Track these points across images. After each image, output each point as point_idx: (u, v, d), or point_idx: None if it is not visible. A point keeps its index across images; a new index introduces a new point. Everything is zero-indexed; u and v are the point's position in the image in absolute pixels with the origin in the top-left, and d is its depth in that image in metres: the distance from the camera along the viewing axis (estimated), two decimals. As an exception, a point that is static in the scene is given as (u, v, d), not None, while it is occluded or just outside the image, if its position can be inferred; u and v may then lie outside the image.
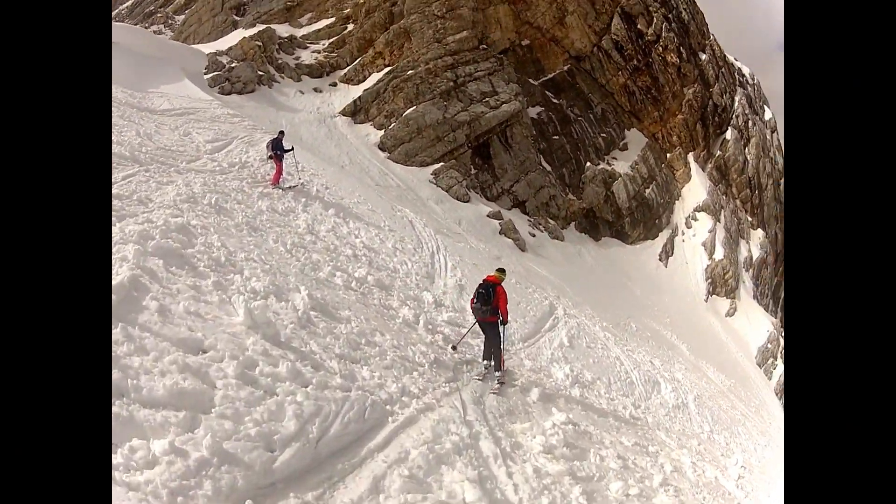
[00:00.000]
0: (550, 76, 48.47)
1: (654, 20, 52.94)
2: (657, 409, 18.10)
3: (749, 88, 68.31)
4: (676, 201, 54.13)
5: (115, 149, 17.36)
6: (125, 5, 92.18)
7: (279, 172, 20.90)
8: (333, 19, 50.03)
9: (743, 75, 69.24)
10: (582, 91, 49.68)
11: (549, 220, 40.16)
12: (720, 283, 50.85)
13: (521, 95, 41.84)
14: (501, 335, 12.31)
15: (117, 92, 26.97)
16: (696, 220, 53.16)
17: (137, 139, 20.43)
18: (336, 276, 14.04)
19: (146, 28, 63.48)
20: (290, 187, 21.27)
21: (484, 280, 12.60)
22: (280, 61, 43.84)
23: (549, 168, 42.83)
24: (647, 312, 37.13)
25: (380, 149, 37.65)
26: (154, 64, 34.25)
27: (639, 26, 52.51)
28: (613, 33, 51.49)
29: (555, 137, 45.08)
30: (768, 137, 66.77)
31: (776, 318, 59.30)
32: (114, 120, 22.00)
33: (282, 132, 23.23)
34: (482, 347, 12.62)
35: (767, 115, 70.71)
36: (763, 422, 27.89)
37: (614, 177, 47.50)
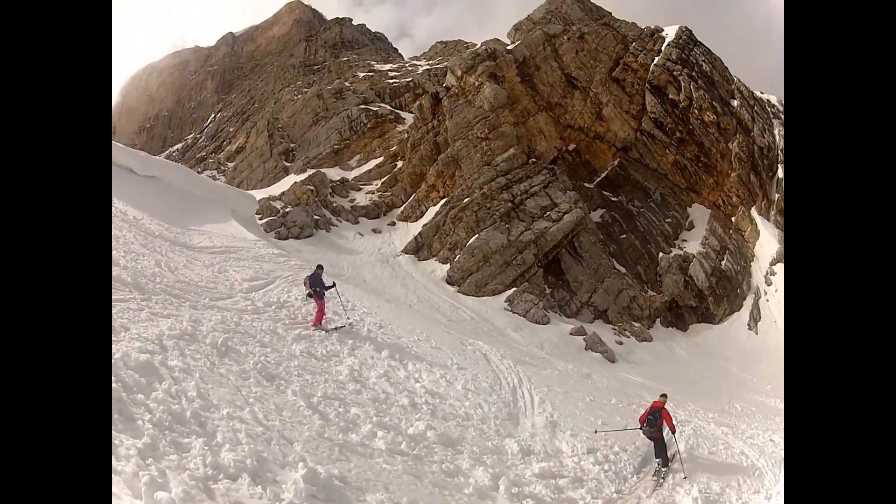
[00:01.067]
0: (604, 175, 48.22)
1: (682, 84, 52.95)
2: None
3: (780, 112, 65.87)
4: (752, 263, 52.15)
5: (115, 271, 15.66)
6: (176, 147, 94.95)
7: (321, 312, 18.94)
8: (382, 158, 50.91)
9: (773, 105, 66.50)
10: (637, 181, 49.05)
11: (634, 324, 38.74)
12: None
13: (581, 201, 41.27)
14: (667, 441, 15.89)
15: (152, 224, 25.80)
16: (774, 273, 50.71)
17: (154, 269, 18.85)
18: (377, 436, 11.45)
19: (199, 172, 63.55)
20: (335, 328, 19.17)
21: (651, 406, 15.96)
22: (335, 204, 44.71)
23: (623, 270, 41.79)
24: (748, 387, 35.10)
25: (448, 283, 37.22)
26: (200, 203, 32.50)
27: (670, 95, 52.55)
28: (650, 112, 51.51)
29: (622, 237, 44.20)
30: None
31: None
32: (135, 247, 20.71)
33: (320, 266, 21.02)
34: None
35: None
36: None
37: (689, 260, 46.05)
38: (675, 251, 46.26)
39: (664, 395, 16.57)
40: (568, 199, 40.34)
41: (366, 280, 34.42)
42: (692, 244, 47.70)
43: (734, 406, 29.09)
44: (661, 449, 15.42)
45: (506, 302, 35.54)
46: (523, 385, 20.17)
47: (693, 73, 54.80)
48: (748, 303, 48.28)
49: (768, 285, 49.89)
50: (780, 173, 56.49)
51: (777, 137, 59.16)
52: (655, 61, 53.83)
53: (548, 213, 39.17)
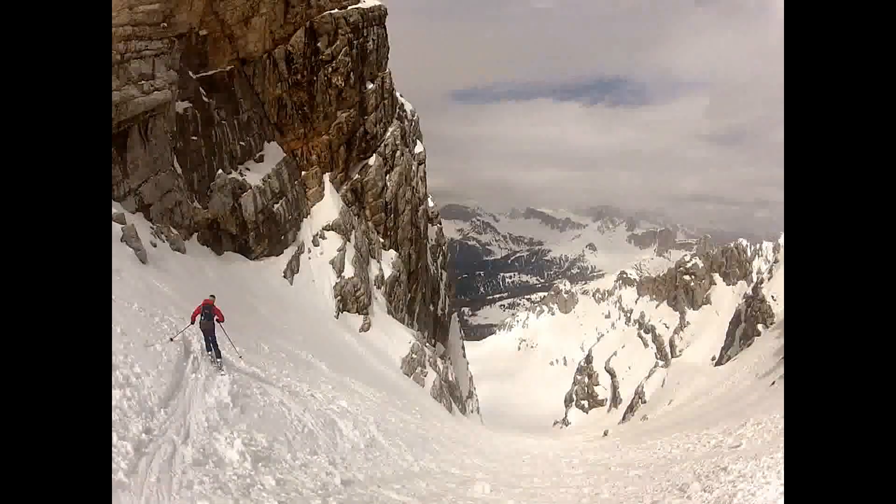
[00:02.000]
0: (211, 73, 45.57)
1: (338, 42, 53.09)
2: (355, 458, 16.65)
3: (406, 123, 71.55)
4: (305, 219, 54.06)
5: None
6: None
7: None
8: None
9: (405, 111, 72.38)
10: (234, 94, 47.35)
11: (173, 230, 36.93)
12: (351, 301, 52.46)
13: (176, 87, 38.15)
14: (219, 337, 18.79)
15: None
16: (324, 238, 53.95)
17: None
18: None
19: None
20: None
21: (203, 303, 18.31)
22: None
23: (179, 170, 39.43)
24: (277, 332, 35.61)
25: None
26: None
27: (318, 44, 52.14)
28: (290, 44, 50.53)
29: (193, 138, 41.81)
30: (414, 168, 70.73)
31: (416, 329, 63.44)
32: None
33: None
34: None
35: (418, 148, 75.36)
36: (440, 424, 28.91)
37: (244, 187, 45.22)
38: (234, 174, 45.24)
39: (213, 296, 19.16)
40: (167, 77, 36.85)
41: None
42: (253, 176, 47.01)
43: (261, 346, 28.55)
44: (214, 342, 18.30)
45: None
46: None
47: (354, 42, 55.43)
48: (289, 252, 49.82)
49: (315, 245, 52.72)
50: (371, 161, 60.88)
51: (388, 135, 64.11)
52: (332, 11, 53.33)
53: (142, 82, 35.01)
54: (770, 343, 73.23)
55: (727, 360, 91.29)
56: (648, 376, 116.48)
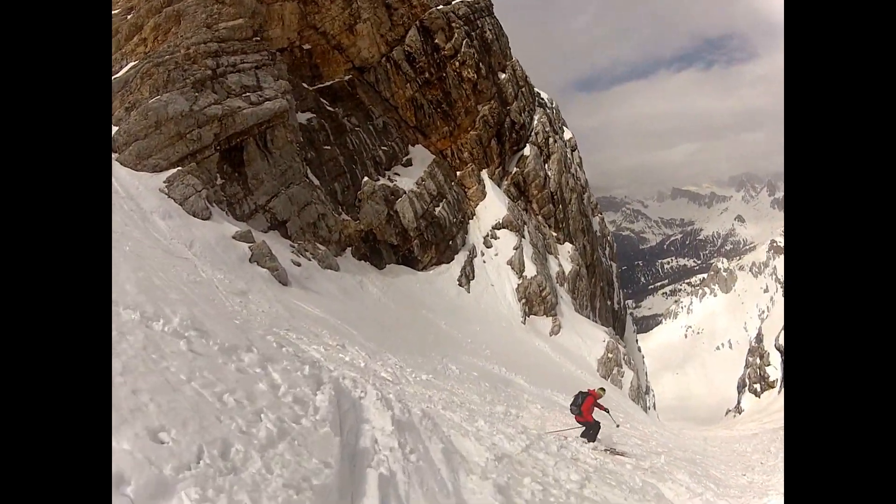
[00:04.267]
0: (328, 84, 39.45)
1: (455, 36, 47.25)
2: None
3: (549, 111, 64.25)
4: (471, 220, 47.03)
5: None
6: None
7: None
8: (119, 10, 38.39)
9: (542, 99, 65.43)
10: (362, 102, 41.11)
11: (319, 246, 30.19)
12: (537, 302, 45.17)
13: (290, 95, 31.73)
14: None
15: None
16: (496, 237, 46.76)
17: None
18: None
19: None
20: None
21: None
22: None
23: (317, 182, 32.88)
24: (461, 348, 29.78)
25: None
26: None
27: (436, 40, 46.38)
28: (407, 44, 44.66)
29: (326, 147, 35.21)
30: (569, 155, 63.47)
31: (607, 326, 56.53)
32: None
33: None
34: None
35: (567, 134, 67.92)
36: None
37: (397, 193, 38.50)
38: (383, 181, 38.52)
39: (602, 389, 16.87)
40: (278, 87, 30.59)
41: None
42: (406, 181, 40.56)
43: (449, 367, 23.58)
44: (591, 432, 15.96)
45: (165, 182, 24.97)
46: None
47: (472, 34, 49.53)
48: (461, 258, 42.90)
49: (487, 247, 46.02)
50: (526, 151, 54.41)
51: (536, 123, 57.22)
52: (439, 7, 47.53)
53: (248, 94, 29.20)
54: None
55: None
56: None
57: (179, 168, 25.63)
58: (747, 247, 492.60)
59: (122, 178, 24.15)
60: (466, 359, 27.25)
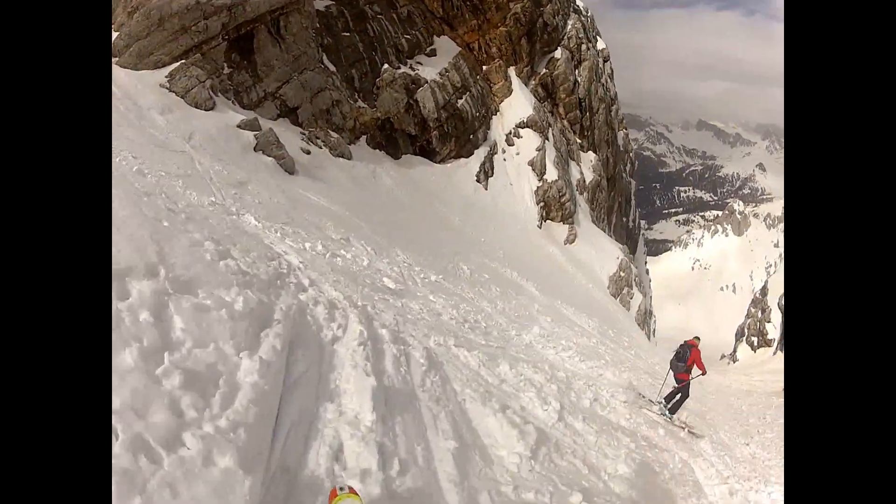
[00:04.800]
0: None
1: None
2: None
3: (583, 18, 60.80)
4: (494, 116, 44.38)
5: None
6: None
7: None
8: None
9: (578, 6, 61.74)
10: None
11: (332, 133, 28.08)
12: (556, 208, 43.46)
13: None
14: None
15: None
16: (519, 136, 44.31)
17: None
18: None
19: None
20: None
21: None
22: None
23: (333, 68, 30.31)
24: (474, 247, 28.82)
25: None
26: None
27: None
28: None
29: (345, 34, 32.47)
30: (601, 65, 60.25)
31: (621, 242, 55.08)
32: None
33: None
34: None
35: (600, 44, 64.33)
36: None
37: (419, 83, 35.80)
38: (404, 69, 35.81)
39: (697, 338, 14.42)
40: None
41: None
42: (428, 70, 37.75)
43: (461, 267, 22.35)
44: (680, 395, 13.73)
45: (166, 77, 23.03)
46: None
47: None
48: (481, 153, 40.77)
49: (510, 145, 43.80)
50: (558, 54, 51.21)
51: (570, 28, 53.91)
52: None
53: None
54: None
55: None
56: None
57: (183, 62, 23.63)
58: (765, 196, 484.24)
59: (120, 79, 22.25)
60: (478, 259, 26.24)
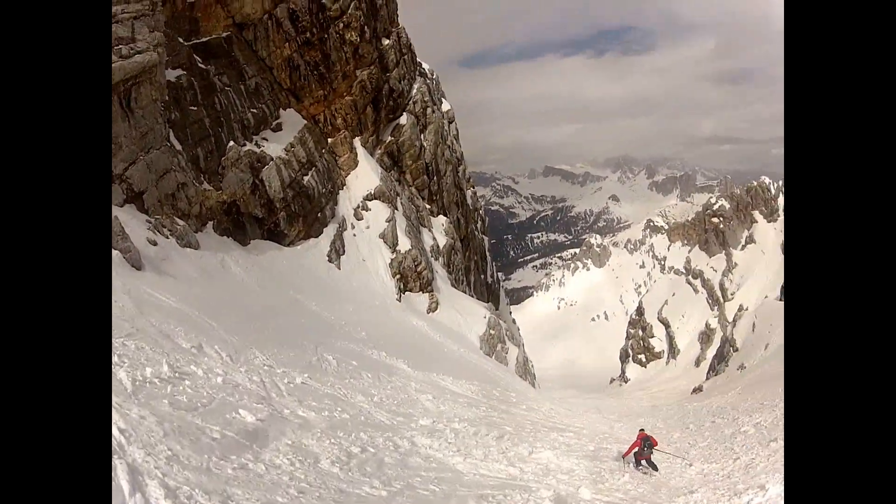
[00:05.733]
0: (204, 40, 36.52)
1: None
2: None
3: (429, 81, 63.33)
4: (341, 191, 45.29)
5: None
6: None
7: None
8: None
9: (423, 69, 64.17)
10: (237, 61, 38.48)
11: (178, 221, 27.75)
12: (413, 278, 44.31)
13: (163, 48, 28.75)
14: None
15: None
16: (367, 209, 45.30)
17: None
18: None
19: None
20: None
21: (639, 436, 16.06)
22: None
23: (179, 147, 30.07)
24: (335, 332, 27.58)
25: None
26: None
27: (323, 0, 43.93)
28: (293, 2, 42.10)
29: (192, 108, 32.49)
30: (446, 127, 62.59)
31: (482, 299, 55.71)
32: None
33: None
34: None
35: (445, 106, 66.75)
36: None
37: (264, 160, 36.15)
38: (250, 146, 35.99)
39: (641, 429, 17.52)
40: (151, 39, 27.44)
41: None
42: (274, 147, 38.05)
43: (325, 358, 20.99)
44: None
45: None
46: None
47: None
48: (330, 231, 41.20)
49: (358, 219, 44.42)
50: (403, 120, 52.98)
51: (415, 92, 55.64)
52: None
53: (119, 47, 25.90)
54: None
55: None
56: (734, 323, 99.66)
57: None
58: (622, 224, 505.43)
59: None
60: (342, 344, 25.51)
